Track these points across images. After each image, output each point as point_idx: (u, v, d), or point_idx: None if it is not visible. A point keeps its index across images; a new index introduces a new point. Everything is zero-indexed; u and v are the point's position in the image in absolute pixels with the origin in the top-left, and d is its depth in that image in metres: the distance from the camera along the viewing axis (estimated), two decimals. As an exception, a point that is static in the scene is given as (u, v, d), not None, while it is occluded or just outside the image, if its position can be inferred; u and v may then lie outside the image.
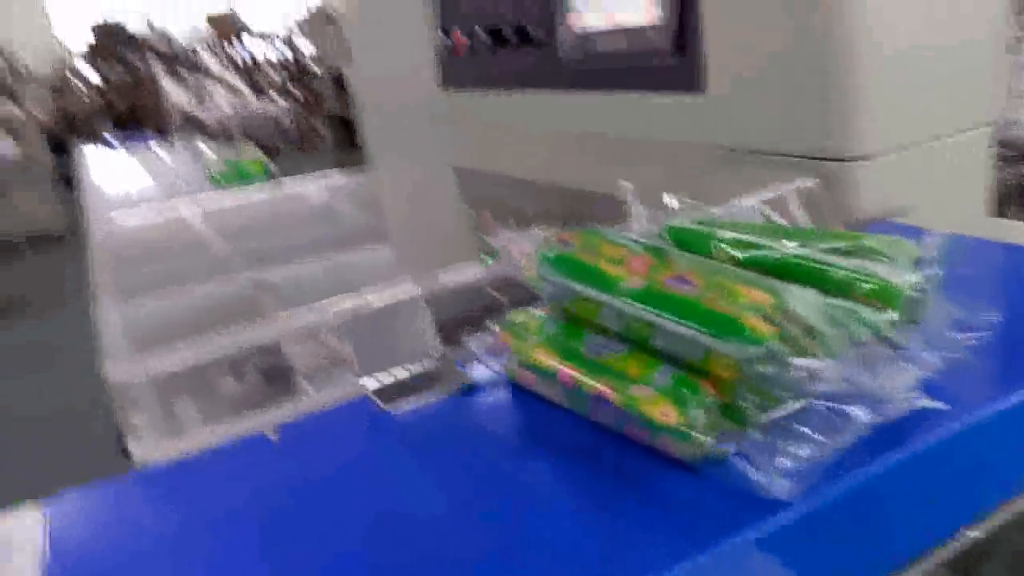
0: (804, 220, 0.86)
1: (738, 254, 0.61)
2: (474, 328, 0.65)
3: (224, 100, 5.87)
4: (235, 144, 4.62)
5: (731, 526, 0.43)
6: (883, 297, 0.55)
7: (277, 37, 9.39)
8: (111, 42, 7.12)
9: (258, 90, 7.91)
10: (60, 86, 7.94)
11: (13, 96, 6.46)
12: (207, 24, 9.26)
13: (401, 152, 2.11)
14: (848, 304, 0.55)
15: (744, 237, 0.64)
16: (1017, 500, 0.55)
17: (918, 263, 0.58)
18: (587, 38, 1.30)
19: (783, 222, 0.77)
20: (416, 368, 0.64)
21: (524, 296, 0.64)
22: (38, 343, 4.08)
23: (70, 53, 8.91)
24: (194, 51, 8.57)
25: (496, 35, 1.53)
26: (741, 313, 0.46)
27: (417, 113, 1.89)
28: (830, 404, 0.47)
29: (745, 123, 1.05)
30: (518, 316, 0.61)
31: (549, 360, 0.55)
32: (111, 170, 4.03)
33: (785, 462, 0.44)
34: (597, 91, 1.30)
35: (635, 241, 0.58)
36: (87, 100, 7.81)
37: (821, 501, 0.44)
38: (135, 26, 8.68)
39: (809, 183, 0.90)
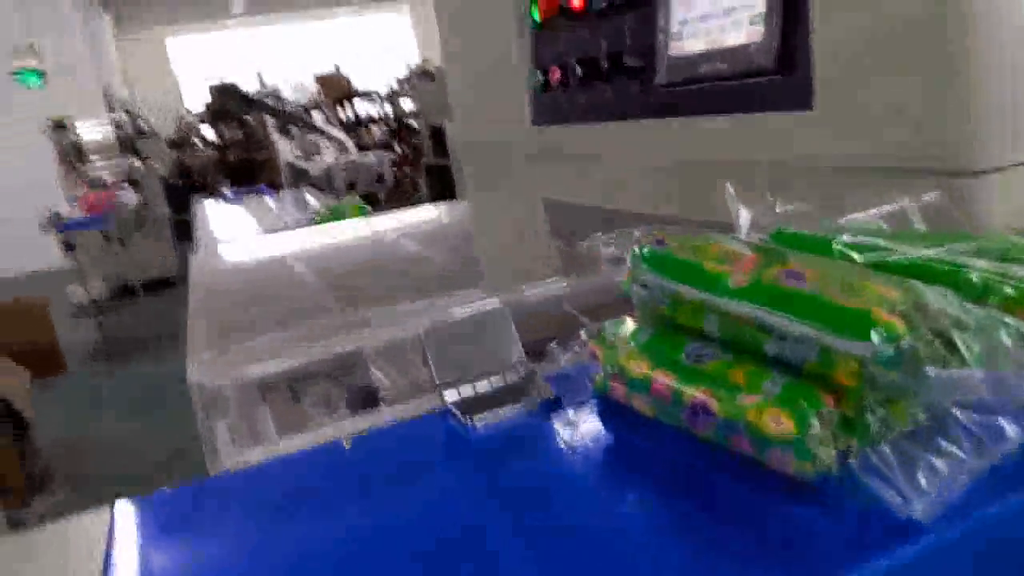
0: (928, 237, 0.78)
1: (859, 256, 0.55)
2: (560, 342, 0.60)
3: (329, 153, 6.09)
4: (337, 192, 4.78)
5: (857, 554, 0.36)
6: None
7: (379, 95, 9.79)
8: (227, 101, 7.55)
9: (361, 145, 8.23)
10: (180, 143, 8.46)
11: (137, 152, 6.91)
12: (315, 83, 9.74)
13: (494, 191, 2.10)
14: (989, 309, 0.48)
15: (866, 240, 0.57)
16: None
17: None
18: (686, 62, 1.26)
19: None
20: (498, 381, 0.60)
21: (609, 310, 0.60)
22: (150, 383, 4.25)
23: (189, 112, 9.52)
24: (304, 109, 9.01)
25: (591, 66, 1.51)
26: (871, 308, 0.40)
27: (510, 152, 1.89)
28: (974, 416, 0.40)
29: (857, 139, 0.98)
30: (610, 325, 0.57)
31: (642, 368, 0.50)
32: (224, 217, 4.22)
33: (923, 479, 0.38)
34: (696, 116, 1.26)
35: (742, 241, 0.53)
36: (203, 155, 8.28)
37: (964, 525, 0.37)
38: (250, 85, 9.22)
39: (933, 196, 0.82)
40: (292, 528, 0.46)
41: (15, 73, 7.94)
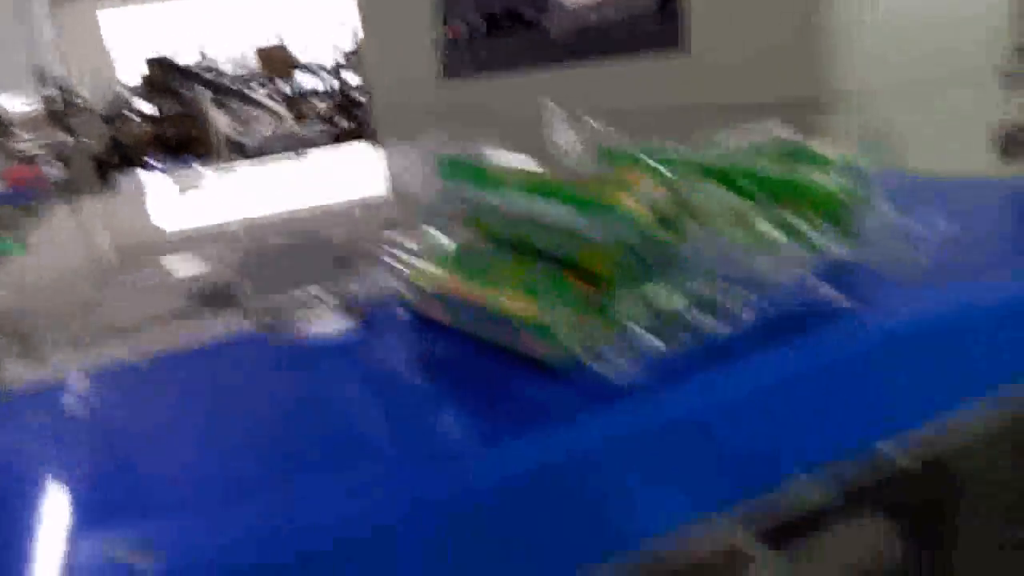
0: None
1: (665, 167, 0.55)
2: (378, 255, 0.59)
3: (266, 126, 5.98)
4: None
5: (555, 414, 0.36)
6: (808, 198, 0.48)
7: (324, 68, 9.60)
8: (163, 74, 7.34)
9: (301, 118, 8.07)
10: (115, 117, 8.21)
11: (67, 127, 6.68)
12: (256, 56, 9.52)
13: (414, 150, 2.08)
14: (769, 207, 0.48)
15: (676, 155, 0.57)
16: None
17: (856, 171, 0.50)
18: (576, 12, 1.25)
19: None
20: (311, 298, 0.59)
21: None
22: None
23: (124, 86, 9.25)
24: (244, 81, 8.81)
25: (491, 20, 1.50)
26: (616, 193, 0.40)
27: (421, 107, 1.87)
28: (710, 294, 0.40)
29: (728, 78, 0.99)
30: (414, 236, 0.56)
31: (431, 276, 0.49)
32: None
33: (634, 351, 0.38)
34: (588, 64, 1.25)
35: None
36: (139, 130, 8.05)
37: (670, 396, 0.37)
38: (189, 58, 8.98)
39: (781, 130, 0.82)
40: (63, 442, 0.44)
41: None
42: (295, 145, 5.76)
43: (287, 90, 9.55)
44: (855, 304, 0.43)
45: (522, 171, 0.47)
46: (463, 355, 0.45)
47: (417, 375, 0.47)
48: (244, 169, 2.42)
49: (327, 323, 0.56)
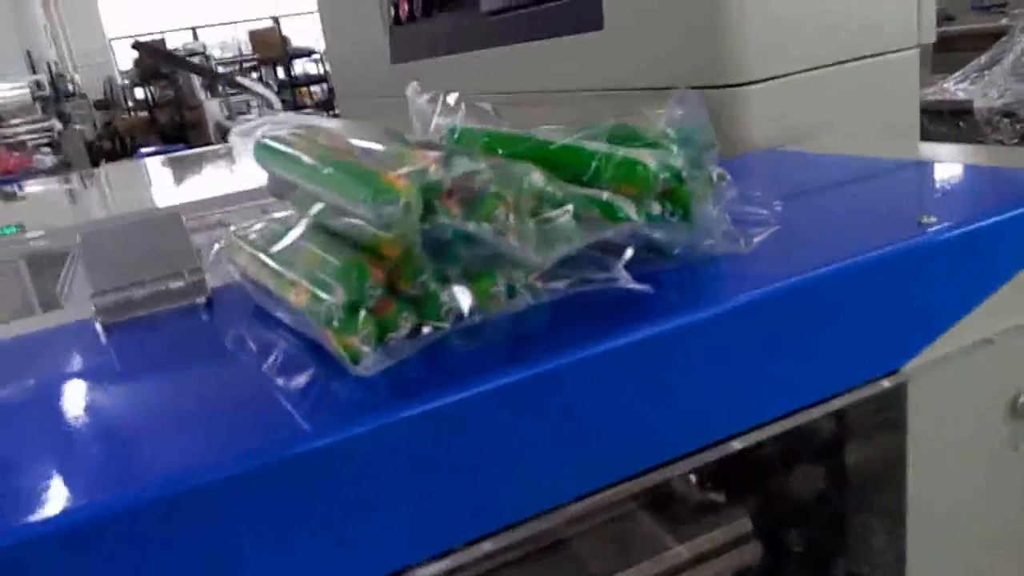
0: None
1: (501, 148, 0.54)
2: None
3: (255, 113, 5.95)
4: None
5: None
6: (632, 179, 0.47)
7: (320, 53, 9.54)
8: (152, 59, 7.31)
9: (298, 105, 8.04)
10: (108, 103, 8.19)
11: (59, 113, 6.68)
12: (249, 39, 9.48)
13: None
14: (594, 192, 0.47)
15: (524, 134, 0.56)
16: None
17: (687, 148, 0.49)
18: (503, -12, 1.23)
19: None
20: (157, 285, 0.58)
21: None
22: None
23: (119, 71, 9.22)
24: (238, 66, 8.77)
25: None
26: (383, 169, 0.38)
27: (376, 92, 1.85)
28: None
29: (641, 60, 0.97)
30: (252, 224, 0.55)
31: (242, 260, 0.48)
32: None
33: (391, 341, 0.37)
34: (517, 44, 1.23)
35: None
36: (132, 117, 8.04)
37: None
38: (180, 41, 8.95)
39: (678, 111, 0.81)
40: None
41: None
42: (283, 130, 5.73)
43: (280, 74, 9.51)
44: (652, 291, 0.41)
45: (324, 142, 0.46)
46: (262, 340, 0.45)
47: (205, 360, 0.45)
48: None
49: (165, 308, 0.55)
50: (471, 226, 0.38)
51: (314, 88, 9.69)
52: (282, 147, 0.48)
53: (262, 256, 0.47)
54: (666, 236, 0.47)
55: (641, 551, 0.51)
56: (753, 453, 0.47)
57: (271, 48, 9.29)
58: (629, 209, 0.46)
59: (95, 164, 6.24)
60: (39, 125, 6.12)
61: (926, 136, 1.08)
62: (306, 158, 0.44)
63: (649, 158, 0.47)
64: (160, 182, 2.35)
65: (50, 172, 5.61)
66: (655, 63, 0.95)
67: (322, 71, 9.47)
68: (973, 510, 0.58)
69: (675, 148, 0.48)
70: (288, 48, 9.39)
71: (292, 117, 0.54)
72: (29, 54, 8.03)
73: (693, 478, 0.56)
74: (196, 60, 7.08)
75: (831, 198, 0.62)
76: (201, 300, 0.56)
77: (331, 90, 9.08)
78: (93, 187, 2.25)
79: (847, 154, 0.73)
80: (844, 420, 0.54)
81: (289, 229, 0.48)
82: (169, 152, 4.97)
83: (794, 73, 0.87)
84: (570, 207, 0.42)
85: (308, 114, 0.53)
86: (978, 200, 0.60)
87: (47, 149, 6.08)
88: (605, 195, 0.47)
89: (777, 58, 0.85)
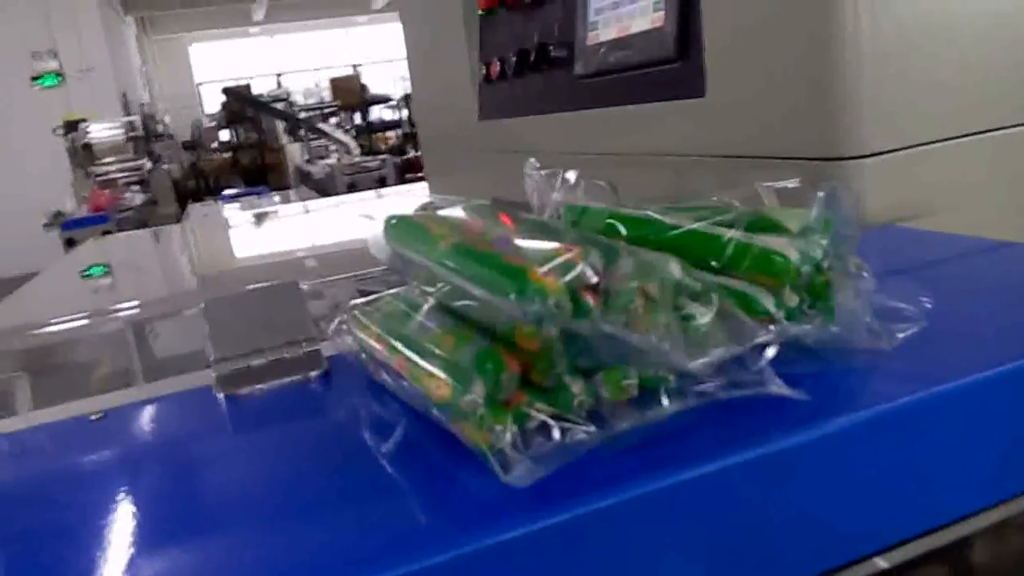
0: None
1: (626, 230, 0.53)
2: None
3: (332, 156, 6.15)
4: (336, 192, 4.80)
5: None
6: (770, 270, 0.45)
7: (395, 99, 9.82)
8: (239, 104, 7.64)
9: (374, 150, 8.25)
10: (195, 144, 8.56)
11: (149, 153, 7.00)
12: (330, 86, 9.82)
13: (454, 188, 2.09)
14: (728, 280, 0.46)
15: (648, 215, 0.55)
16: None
17: (821, 234, 0.47)
18: (599, 52, 1.24)
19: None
20: (275, 354, 0.58)
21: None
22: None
23: (205, 114, 9.63)
24: (320, 112, 9.06)
25: (523, 59, 1.50)
26: (530, 265, 0.38)
27: (462, 146, 1.88)
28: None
29: (746, 129, 0.95)
30: (374, 299, 0.55)
31: (370, 339, 0.48)
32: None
33: (535, 445, 0.36)
34: (611, 107, 1.23)
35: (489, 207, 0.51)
36: (217, 158, 8.37)
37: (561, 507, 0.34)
38: (265, 87, 9.32)
39: (791, 183, 0.79)
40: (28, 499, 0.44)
41: (35, 78, 8.08)
42: (359, 175, 5.89)
43: (358, 120, 9.79)
44: (807, 397, 0.39)
45: (457, 229, 0.46)
46: (389, 428, 0.44)
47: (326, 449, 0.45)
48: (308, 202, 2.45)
49: (285, 380, 0.55)
50: (610, 324, 0.37)
51: (388, 133, 9.96)
52: (415, 226, 0.48)
53: (389, 336, 0.47)
54: (807, 332, 0.45)
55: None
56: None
57: (350, 95, 9.60)
58: (768, 302, 0.45)
59: (181, 202, 6.51)
60: (130, 164, 6.41)
61: None
62: (441, 243, 0.44)
63: (790, 248, 0.46)
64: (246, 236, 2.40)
65: (139, 209, 5.88)
66: (761, 131, 0.93)
67: (396, 117, 9.73)
68: None
69: (818, 238, 0.46)
70: (366, 95, 9.68)
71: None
72: (124, 95, 8.49)
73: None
74: (280, 106, 7.35)
75: (974, 290, 0.59)
76: (316, 373, 0.56)
77: (406, 135, 9.32)
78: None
79: (980, 236, 0.69)
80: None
81: (414, 308, 0.48)
82: (257, 192, 5.16)
83: (916, 146, 0.84)
84: (714, 304, 0.41)
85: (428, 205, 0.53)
86: None
87: (136, 187, 6.37)
88: (739, 285, 0.46)
89: (897, 129, 0.83)
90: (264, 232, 2.34)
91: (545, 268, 0.37)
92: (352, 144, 6.55)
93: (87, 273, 1.74)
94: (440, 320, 0.46)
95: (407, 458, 0.41)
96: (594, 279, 0.38)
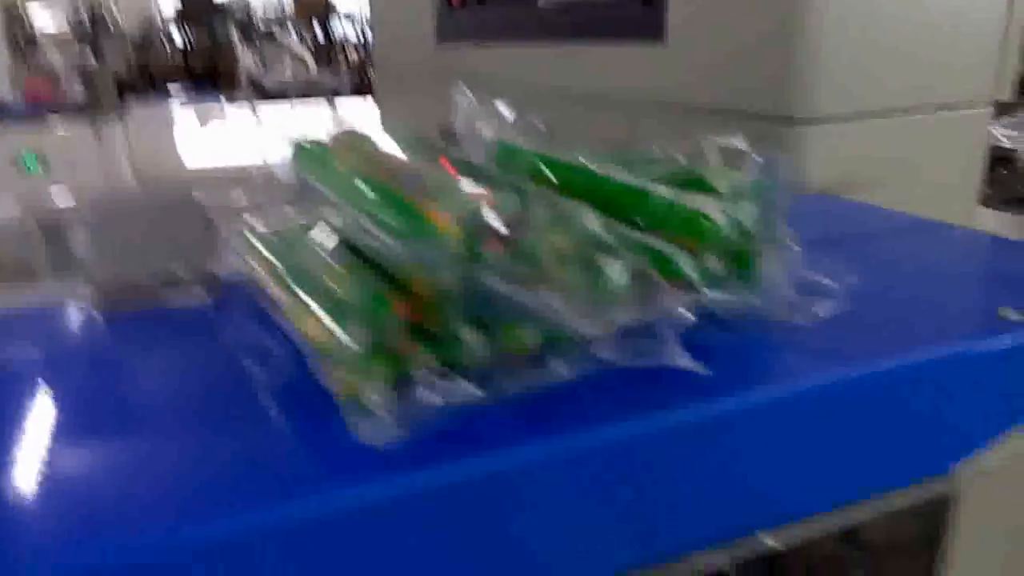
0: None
1: (554, 176, 0.49)
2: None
3: (288, 70, 5.92)
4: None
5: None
6: (695, 232, 0.42)
7: (358, 17, 9.45)
8: (197, 7, 7.27)
9: (333, 69, 7.95)
10: (144, 44, 8.15)
11: (95, 49, 6.63)
12: (293, 1, 9.39)
13: (405, 110, 2.02)
14: (649, 239, 0.43)
15: (579, 163, 0.51)
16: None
17: (755, 198, 0.44)
18: (562, -14, 1.18)
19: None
20: (165, 273, 0.54)
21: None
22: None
23: (160, 16, 9.17)
24: (277, 22, 8.69)
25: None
26: (427, 205, 0.34)
27: (417, 70, 1.80)
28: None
29: (702, 79, 0.92)
30: (265, 222, 0.50)
31: (262, 272, 0.44)
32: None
33: (404, 404, 0.33)
34: (571, 42, 1.18)
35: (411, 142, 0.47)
36: (167, 59, 8.00)
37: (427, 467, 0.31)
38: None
39: (736, 141, 0.76)
40: None
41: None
42: (313, 91, 5.68)
43: (319, 36, 9.42)
44: (710, 372, 0.37)
45: (368, 160, 0.41)
46: (267, 366, 0.40)
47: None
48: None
49: (177, 300, 0.51)
50: (507, 279, 0.34)
51: (351, 52, 9.59)
52: (320, 155, 0.43)
53: (278, 265, 0.43)
54: (723, 301, 0.42)
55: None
56: (789, 555, 0.42)
57: (312, 9, 9.19)
58: (687, 265, 0.42)
59: (121, 99, 6.20)
60: (73, 55, 6.09)
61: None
62: (345, 173, 0.40)
63: (717, 211, 0.43)
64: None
65: (78, 107, 5.58)
66: (717, 84, 0.90)
67: (359, 35, 9.38)
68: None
69: (747, 204, 0.43)
70: (329, 10, 9.30)
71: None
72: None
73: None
74: (240, 14, 7.03)
75: (901, 270, 0.57)
76: (203, 297, 0.52)
77: (368, 55, 8.98)
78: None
79: (914, 215, 0.68)
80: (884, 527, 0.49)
81: (311, 237, 0.44)
82: (205, 97, 4.92)
83: (861, 116, 0.82)
84: (628, 264, 0.38)
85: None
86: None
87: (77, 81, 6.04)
88: (659, 244, 0.43)
89: (850, 95, 0.80)
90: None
91: (444, 210, 0.34)
92: (310, 60, 6.31)
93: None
94: (339, 255, 0.42)
95: (279, 400, 0.37)
96: (501, 228, 0.34)
